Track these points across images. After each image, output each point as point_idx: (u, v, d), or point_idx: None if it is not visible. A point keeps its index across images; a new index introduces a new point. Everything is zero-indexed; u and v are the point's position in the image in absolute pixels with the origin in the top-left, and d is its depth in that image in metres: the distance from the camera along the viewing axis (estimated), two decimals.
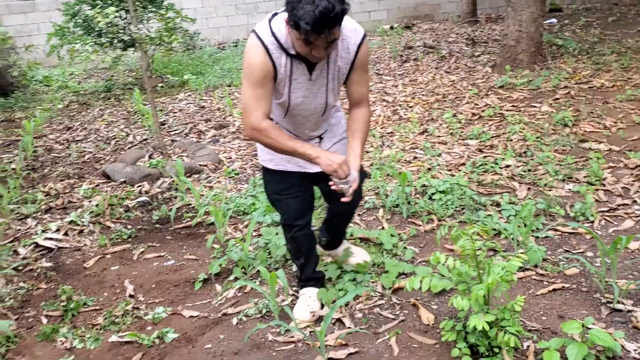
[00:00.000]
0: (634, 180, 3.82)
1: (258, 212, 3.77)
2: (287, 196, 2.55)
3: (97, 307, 3.01)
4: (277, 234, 3.46)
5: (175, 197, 4.39)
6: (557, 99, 5.91)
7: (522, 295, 2.23)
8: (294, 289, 2.97)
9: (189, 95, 8.25)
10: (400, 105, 6.45)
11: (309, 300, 2.74)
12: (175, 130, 6.43)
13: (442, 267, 2.75)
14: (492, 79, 7.07)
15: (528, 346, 2.29)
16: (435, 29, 11.72)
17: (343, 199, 2.26)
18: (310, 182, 2.59)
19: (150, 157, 5.24)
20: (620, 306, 2.49)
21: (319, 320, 2.64)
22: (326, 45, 2.03)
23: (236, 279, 3.09)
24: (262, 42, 2.12)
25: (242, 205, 4.02)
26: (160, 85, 8.65)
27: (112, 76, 9.82)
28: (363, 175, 2.48)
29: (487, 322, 2.07)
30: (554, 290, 2.70)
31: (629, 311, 2.46)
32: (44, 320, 2.90)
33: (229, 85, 8.62)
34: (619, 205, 3.52)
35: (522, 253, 2.95)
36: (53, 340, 2.73)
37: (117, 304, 2.99)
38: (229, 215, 3.67)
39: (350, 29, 2.21)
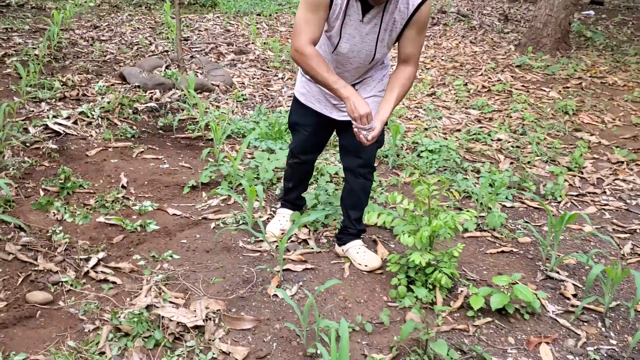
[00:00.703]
0: (610, 174, 4.01)
1: (254, 134, 3.98)
2: (303, 130, 2.67)
3: (91, 191, 3.29)
4: (268, 159, 3.71)
5: (183, 109, 4.62)
6: (567, 87, 6.03)
7: (462, 244, 2.49)
8: (272, 208, 3.24)
9: (217, 17, 8.37)
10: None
11: (282, 219, 3.00)
12: (197, 47, 6.60)
13: (400, 209, 2.99)
14: (512, 57, 7.15)
15: (462, 291, 2.55)
16: (473, 0, 11.64)
17: (362, 139, 2.26)
18: (330, 128, 2.67)
19: (167, 68, 5.44)
20: (554, 274, 2.74)
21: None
22: None
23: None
24: None
25: (243, 129, 4.25)
26: (188, 0, 8.74)
27: None
28: (382, 138, 2.56)
29: (427, 260, 2.32)
30: (502, 252, 2.95)
31: (561, 280, 2.71)
32: (41, 193, 3.18)
33: (259, 15, 8.71)
34: (588, 192, 3.72)
35: (482, 215, 3.19)
36: (46, 211, 3.01)
37: (110, 192, 3.27)
38: (227, 134, 3.90)
39: None
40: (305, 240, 2.95)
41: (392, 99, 2.34)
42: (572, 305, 2.53)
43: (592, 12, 10.92)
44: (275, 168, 3.65)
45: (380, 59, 2.41)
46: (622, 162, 4.23)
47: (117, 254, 2.72)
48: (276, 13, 9.05)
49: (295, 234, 2.97)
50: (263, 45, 7.01)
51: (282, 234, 2.94)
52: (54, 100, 4.51)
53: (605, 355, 2.25)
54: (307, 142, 2.71)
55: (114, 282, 2.50)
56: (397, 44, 2.36)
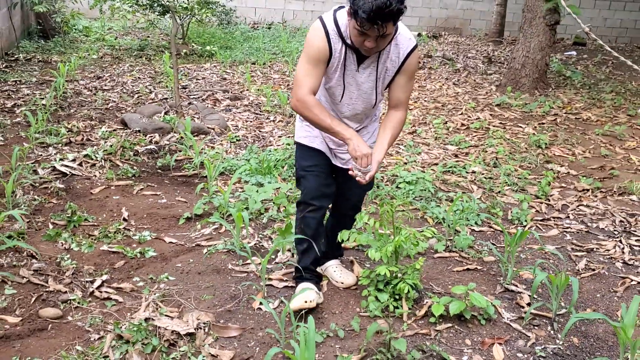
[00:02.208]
0: (575, 200, 4.34)
1: (242, 169, 4.32)
2: (312, 172, 2.66)
3: (95, 224, 3.62)
4: (257, 191, 4.05)
5: (180, 150, 4.99)
6: (543, 123, 6.41)
7: (423, 258, 2.80)
8: (259, 235, 3.55)
9: (214, 66, 8.85)
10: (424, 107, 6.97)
11: (303, 295, 2.67)
12: (194, 94, 7.03)
13: (369, 228, 3.31)
14: (492, 97, 7.57)
15: (426, 302, 2.85)
16: (459, 43, 12.19)
17: (358, 179, 2.42)
18: (332, 169, 2.76)
19: (165, 114, 5.84)
20: (512, 287, 3.04)
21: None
22: (377, 38, 2.23)
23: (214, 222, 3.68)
24: (325, 27, 2.37)
25: (235, 165, 4.61)
26: (185, 51, 9.24)
27: (148, 37, 10.45)
28: (372, 181, 2.64)
29: (391, 271, 2.64)
30: (468, 269, 3.25)
31: (518, 292, 3.01)
32: (50, 226, 3.51)
33: (253, 64, 9.20)
34: (553, 217, 4.04)
35: (450, 238, 3.51)
36: (55, 242, 3.34)
37: (112, 224, 3.60)
38: (219, 171, 4.25)
39: (406, 37, 2.43)
40: (290, 264, 3.26)
41: (385, 141, 2.51)
42: (525, 312, 2.82)
43: (574, 53, 11.44)
44: (263, 200, 3.98)
45: (373, 103, 2.58)
46: (588, 190, 4.56)
47: (119, 277, 3.03)
48: (270, 61, 9.54)
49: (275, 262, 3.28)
50: (257, 91, 7.44)
51: (307, 302, 2.65)
52: (60, 145, 4.89)
53: (551, 353, 2.54)
54: (320, 184, 2.67)
55: (116, 300, 2.80)
56: (387, 90, 2.60)
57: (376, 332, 2.58)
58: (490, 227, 3.85)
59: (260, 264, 3.19)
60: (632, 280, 3.19)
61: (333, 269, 3.06)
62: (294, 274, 2.94)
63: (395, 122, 2.55)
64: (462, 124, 6.30)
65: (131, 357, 2.29)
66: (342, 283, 2.99)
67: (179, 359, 2.39)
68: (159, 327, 2.53)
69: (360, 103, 2.56)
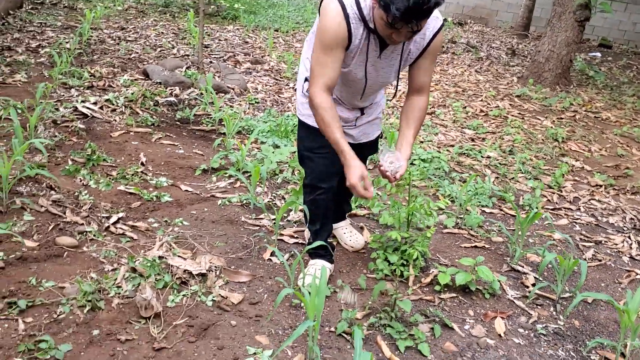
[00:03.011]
0: (587, 194, 4.35)
1: (262, 126, 4.35)
2: (318, 155, 2.49)
3: (114, 165, 3.66)
4: (273, 152, 4.08)
5: (199, 105, 5.01)
6: (561, 118, 6.40)
7: (434, 227, 2.84)
8: (273, 194, 3.60)
9: (237, 29, 8.83)
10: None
11: (316, 272, 2.50)
12: (216, 54, 7.04)
13: (384, 194, 3.36)
14: (513, 88, 7.54)
15: (433, 271, 2.89)
16: (484, 32, 12.10)
17: (388, 180, 2.27)
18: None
19: (187, 69, 5.86)
20: (518, 267, 3.08)
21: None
22: (410, 35, 2.01)
23: (230, 176, 3.73)
24: (344, 10, 2.06)
25: (253, 126, 4.64)
26: (210, 11, 9.21)
27: None
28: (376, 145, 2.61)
29: (402, 237, 2.68)
30: (476, 247, 3.29)
31: (524, 273, 3.05)
32: (70, 162, 3.56)
33: (276, 30, 9.17)
34: (564, 208, 4.07)
35: (461, 216, 3.54)
36: (74, 177, 3.39)
37: (130, 167, 3.64)
38: (237, 129, 4.28)
39: (432, 16, 2.12)
40: (299, 220, 3.31)
41: (410, 135, 2.31)
42: (530, 292, 2.87)
43: (599, 54, 11.34)
44: (279, 161, 4.02)
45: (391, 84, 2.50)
46: (601, 186, 4.58)
47: (135, 216, 3.08)
48: (293, 30, 9.51)
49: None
50: (278, 57, 7.43)
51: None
52: (82, 87, 4.92)
53: (552, 332, 2.58)
54: (326, 165, 2.50)
55: (131, 237, 2.86)
56: (407, 73, 2.37)
57: (381, 292, 2.64)
58: (501, 210, 3.88)
59: (273, 219, 3.25)
60: (637, 274, 3.22)
61: (343, 231, 3.05)
62: (306, 244, 2.82)
63: (418, 110, 2.34)
64: (481, 110, 6.30)
65: (144, 289, 2.34)
66: (352, 247, 2.99)
67: (190, 296, 2.45)
68: (172, 266, 2.59)
69: (376, 88, 2.39)
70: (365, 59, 2.21)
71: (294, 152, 4.19)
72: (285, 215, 3.34)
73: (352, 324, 2.38)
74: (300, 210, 3.39)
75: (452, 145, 5.02)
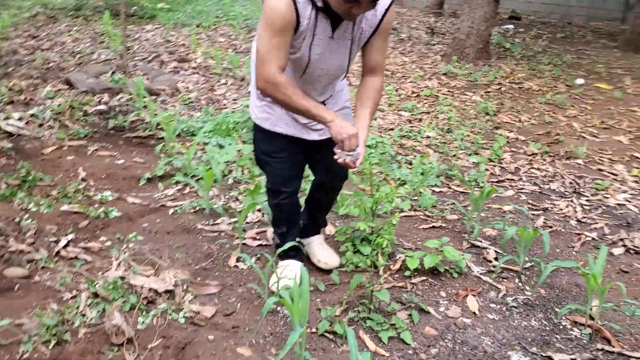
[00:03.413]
0: (526, 164, 4.51)
1: (207, 127, 4.22)
2: (277, 159, 2.39)
3: (52, 184, 3.45)
4: (219, 152, 3.97)
5: (132, 111, 4.81)
6: (488, 91, 6.60)
7: (398, 214, 2.85)
8: (226, 196, 3.50)
9: (157, 28, 8.55)
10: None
11: (289, 273, 2.56)
12: (139, 56, 6.78)
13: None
14: (438, 66, 7.70)
15: (399, 257, 2.91)
16: (401, 14, 12.29)
17: (347, 161, 2.13)
18: (304, 149, 2.43)
19: (112, 74, 5.60)
20: (478, 243, 3.15)
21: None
22: (371, 6, 1.93)
23: (177, 182, 3.59)
24: None
25: (192, 127, 4.50)
26: (133, 9, 8.87)
27: None
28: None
29: (370, 227, 2.67)
30: (433, 227, 3.34)
31: (484, 248, 3.12)
32: (4, 186, 3.32)
33: (198, 26, 8.94)
34: (507, 179, 4.19)
35: (415, 198, 3.58)
36: (11, 202, 3.17)
37: (70, 184, 3.45)
38: (177, 132, 4.14)
39: None
40: (260, 220, 3.24)
41: (366, 115, 2.20)
42: (494, 267, 2.94)
43: (511, 26, 11.77)
44: (226, 161, 3.91)
45: (348, 69, 2.27)
46: (537, 154, 4.75)
47: (85, 237, 2.92)
48: (214, 25, 9.30)
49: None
50: (204, 54, 7.25)
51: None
52: (2, 104, 4.61)
53: (522, 303, 2.66)
54: (287, 169, 2.43)
55: (85, 260, 2.70)
56: (361, 54, 2.26)
57: (358, 287, 2.63)
58: (450, 187, 3.95)
59: (230, 223, 3.16)
60: (587, 236, 3.36)
61: (317, 246, 2.78)
62: (272, 245, 2.81)
63: (373, 91, 2.23)
64: (413, 92, 6.39)
65: (111, 314, 2.22)
66: (326, 264, 2.72)
67: (160, 315, 2.34)
68: (135, 286, 2.46)
69: (332, 73, 2.21)
70: (312, 40, 2.08)
71: (240, 150, 4.10)
72: (240, 216, 3.25)
73: (332, 322, 2.35)
74: (258, 210, 3.32)
75: (392, 129, 5.06)
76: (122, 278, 2.51)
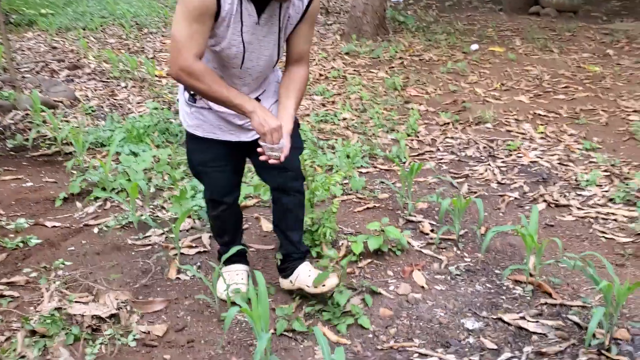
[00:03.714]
0: (440, 134, 4.65)
1: (117, 139, 4.02)
2: (214, 168, 2.27)
3: None
4: (135, 161, 3.78)
5: (30, 129, 4.47)
6: (393, 67, 6.73)
7: (337, 200, 2.84)
8: (150, 206, 3.35)
9: (38, 35, 8.00)
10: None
11: (235, 277, 2.51)
12: (24, 67, 6.31)
13: None
14: (340, 46, 7.75)
15: (342, 243, 2.91)
16: None
17: (271, 161, 2.02)
18: (242, 154, 2.32)
19: (0, 90, 5.18)
20: (412, 218, 3.22)
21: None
22: None
23: (97, 198, 3.39)
24: None
25: (101, 138, 4.25)
26: (15, 17, 8.25)
27: None
28: (300, 142, 2.32)
29: (311, 218, 2.65)
30: (368, 208, 3.37)
31: (419, 222, 3.19)
32: None
33: (84, 29, 8.46)
34: (426, 151, 4.31)
35: (345, 182, 3.60)
36: None
37: None
38: (87, 146, 3.91)
39: None
40: (192, 227, 3.13)
41: (291, 106, 2.09)
42: (431, 238, 3.01)
43: (400, 0, 12.06)
44: (144, 169, 3.74)
45: (279, 58, 2.12)
46: (448, 123, 4.91)
47: (6, 271, 2.69)
48: (101, 26, 8.84)
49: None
50: (97, 58, 6.88)
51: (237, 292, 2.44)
52: None
53: (464, 270, 2.75)
54: (226, 179, 2.31)
55: (11, 296, 2.49)
56: (285, 42, 2.12)
57: None
58: (375, 167, 4.00)
59: (162, 234, 3.04)
60: (509, 197, 3.52)
61: (307, 274, 2.41)
62: (217, 251, 2.63)
63: (298, 80, 2.13)
64: (320, 74, 6.40)
65: (56, 351, 2.06)
66: (324, 286, 2.33)
67: (108, 342, 2.20)
68: (75, 315, 2.31)
69: (261, 64, 2.06)
70: (241, 27, 1.93)
71: (156, 155, 3.93)
72: (174, 226, 3.13)
73: (290, 320, 2.32)
74: (189, 217, 3.20)
75: (308, 115, 5.05)
76: (59, 309, 2.34)
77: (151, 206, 3.36)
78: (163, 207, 3.37)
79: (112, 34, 8.32)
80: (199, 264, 2.77)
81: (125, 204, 3.14)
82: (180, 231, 3.09)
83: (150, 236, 3.03)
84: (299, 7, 2.01)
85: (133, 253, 2.88)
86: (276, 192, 2.35)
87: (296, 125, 2.20)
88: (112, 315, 2.33)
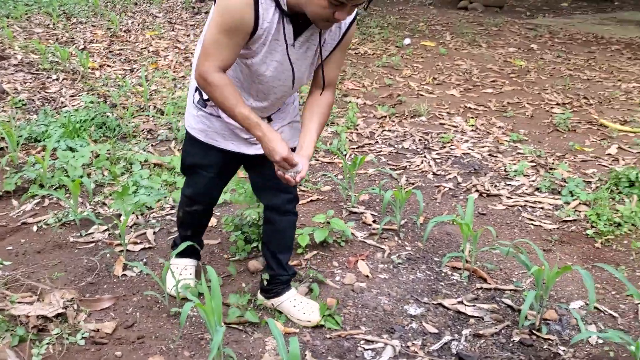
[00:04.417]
0: (378, 127, 4.79)
1: (54, 136, 3.91)
2: (205, 174, 2.24)
3: None
4: (73, 157, 3.70)
5: None
6: None
7: None
8: (92, 202, 3.30)
9: None
10: (191, 53, 6.82)
11: (184, 272, 2.55)
12: None
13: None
14: None
15: None
16: None
17: (286, 180, 1.96)
18: (237, 165, 2.32)
19: None
20: (355, 209, 3.32)
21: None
22: (354, 9, 1.79)
23: (34, 195, 3.30)
24: None
25: (35, 133, 4.12)
26: None
27: None
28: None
29: (257, 212, 2.70)
30: (312, 201, 3.45)
31: (361, 213, 3.30)
32: None
33: (7, 17, 8.09)
34: (365, 144, 4.43)
35: None
36: None
37: None
38: (21, 142, 3.79)
39: None
40: (135, 224, 3.11)
41: (314, 129, 2.03)
42: (374, 229, 3.13)
43: None
44: (83, 165, 3.67)
45: (306, 82, 2.09)
46: (385, 117, 5.05)
47: None
48: (27, 14, 8.48)
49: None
50: (23, 48, 6.61)
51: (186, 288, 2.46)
52: None
53: (406, 259, 2.87)
54: (211, 185, 2.29)
55: None
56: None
57: (251, 272, 2.66)
58: (317, 160, 4.08)
59: (105, 231, 3.01)
60: (444, 187, 3.69)
61: (292, 304, 2.40)
62: (171, 247, 2.62)
63: (324, 105, 2.06)
64: None
65: (2, 353, 2.03)
66: (309, 322, 2.35)
67: (55, 342, 2.18)
68: (19, 316, 2.26)
69: (288, 85, 2.01)
70: (277, 47, 1.88)
71: (93, 150, 3.85)
72: (118, 222, 3.10)
73: (240, 310, 2.36)
74: (132, 212, 3.18)
75: None
76: (1, 310, 2.29)
77: (92, 203, 3.31)
78: (104, 204, 3.32)
79: (38, 23, 8.01)
80: (144, 260, 2.76)
81: (66, 201, 3.08)
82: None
83: (93, 233, 3.00)
84: (336, 33, 1.97)
85: (76, 251, 2.84)
86: (269, 212, 2.33)
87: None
88: (58, 315, 2.30)
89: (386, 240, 3.04)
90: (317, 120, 2.03)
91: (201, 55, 1.84)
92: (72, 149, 3.93)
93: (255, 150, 2.16)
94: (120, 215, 3.15)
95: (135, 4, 9.57)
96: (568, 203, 3.46)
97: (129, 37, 7.47)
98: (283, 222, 2.33)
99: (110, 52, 6.78)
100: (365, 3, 1.77)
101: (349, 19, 1.96)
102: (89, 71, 5.89)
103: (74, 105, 4.87)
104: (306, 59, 1.97)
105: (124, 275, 2.65)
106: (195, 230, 2.52)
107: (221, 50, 1.81)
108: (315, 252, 2.87)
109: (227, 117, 2.01)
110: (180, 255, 2.54)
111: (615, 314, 2.51)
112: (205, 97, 2.07)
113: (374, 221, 3.22)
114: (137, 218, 3.16)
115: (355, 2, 1.72)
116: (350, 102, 5.33)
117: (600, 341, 2.35)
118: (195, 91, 2.12)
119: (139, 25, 8.17)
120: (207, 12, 9.30)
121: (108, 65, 6.24)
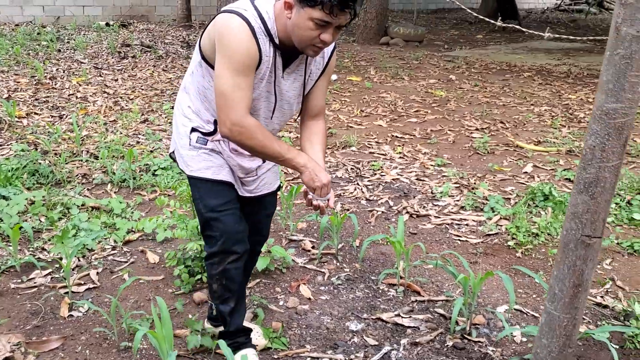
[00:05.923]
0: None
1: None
2: (227, 212, 2.08)
3: None
4: (7, 204, 3.68)
5: None
6: None
7: None
8: (33, 246, 3.29)
9: None
10: (121, 97, 6.86)
11: None
12: None
13: (167, 211, 3.39)
14: None
15: None
16: (151, 30, 12.22)
17: (315, 207, 2.02)
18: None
19: None
20: (294, 237, 3.48)
21: None
22: (338, 30, 1.85)
23: None
24: (249, 24, 1.84)
25: None
26: None
27: None
28: (275, 208, 2.39)
29: (199, 244, 2.80)
30: None
31: (300, 240, 3.46)
32: None
33: None
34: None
35: None
36: None
37: None
38: None
39: None
40: (78, 266, 3.13)
41: (319, 153, 2.09)
42: (313, 254, 3.28)
43: None
44: (18, 212, 3.65)
45: (294, 114, 2.16)
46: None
47: None
48: None
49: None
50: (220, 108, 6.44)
51: None
52: None
53: (345, 279, 3.04)
54: (238, 223, 2.11)
55: None
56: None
57: (197, 304, 2.74)
58: None
59: (47, 275, 3.02)
60: (377, 211, 3.91)
61: None
62: (219, 334, 2.36)
63: (320, 133, 2.13)
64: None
65: None
66: (256, 346, 2.39)
67: None
68: None
69: (280, 117, 2.08)
70: (274, 79, 1.96)
71: (28, 197, 3.83)
72: (60, 264, 3.12)
73: (199, 335, 2.44)
74: (75, 256, 3.20)
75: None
76: None
77: (32, 248, 3.30)
78: (44, 249, 3.32)
79: None
80: (90, 299, 2.79)
81: (5, 248, 3.07)
82: (65, 271, 3.08)
83: (34, 278, 3.00)
84: (320, 62, 2.06)
85: (18, 297, 2.84)
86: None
87: (278, 188, 2.33)
88: (6, 359, 2.31)
89: (325, 263, 3.20)
90: (320, 149, 2.10)
91: (224, 106, 1.84)
92: (5, 197, 3.90)
93: (245, 193, 2.20)
94: (61, 258, 3.17)
95: (59, 50, 9.49)
96: (490, 218, 3.75)
97: (55, 84, 7.42)
98: (252, 260, 2.46)
99: (36, 99, 6.71)
100: (348, 22, 1.85)
101: (330, 47, 2.06)
102: (16, 119, 5.82)
103: (3, 155, 4.81)
104: (295, 90, 2.05)
105: (70, 315, 2.67)
106: (238, 301, 2.24)
107: (244, 92, 1.85)
108: (258, 280, 2.99)
109: (228, 154, 2.07)
110: (234, 345, 2.24)
111: (537, 315, 2.76)
112: (207, 131, 2.05)
113: (313, 247, 3.37)
114: (79, 260, 3.19)
115: (339, 23, 1.80)
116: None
117: (524, 339, 2.58)
118: (192, 132, 2.07)
119: (64, 72, 8.12)
120: (133, 56, 9.35)
121: (35, 113, 6.18)
